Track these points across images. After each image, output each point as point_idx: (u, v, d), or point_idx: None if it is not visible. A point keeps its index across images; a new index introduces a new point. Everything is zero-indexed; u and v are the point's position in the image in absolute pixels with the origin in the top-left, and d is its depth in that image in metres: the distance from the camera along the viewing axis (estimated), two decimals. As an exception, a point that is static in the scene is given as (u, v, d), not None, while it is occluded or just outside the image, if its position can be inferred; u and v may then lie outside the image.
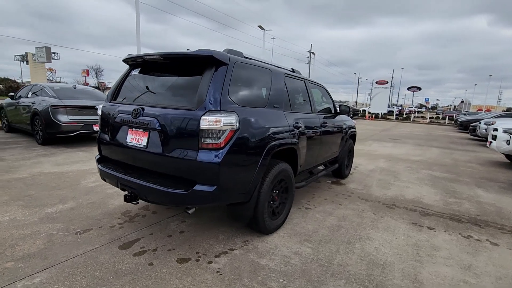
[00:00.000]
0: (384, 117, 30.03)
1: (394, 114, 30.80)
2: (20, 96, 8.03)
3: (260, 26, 22.77)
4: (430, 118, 30.72)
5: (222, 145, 2.05)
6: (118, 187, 2.52)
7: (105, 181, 2.70)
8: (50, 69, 53.84)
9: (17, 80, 50.15)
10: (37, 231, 2.69)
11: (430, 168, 6.41)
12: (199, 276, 2.11)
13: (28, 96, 7.68)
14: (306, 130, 3.27)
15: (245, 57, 2.77)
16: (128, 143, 2.45)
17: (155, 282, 2.03)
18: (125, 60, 2.73)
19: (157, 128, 2.22)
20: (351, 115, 21.95)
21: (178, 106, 2.23)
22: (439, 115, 38.29)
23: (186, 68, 2.39)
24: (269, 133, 2.49)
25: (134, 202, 2.41)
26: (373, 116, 29.02)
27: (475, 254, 2.64)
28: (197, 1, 21.21)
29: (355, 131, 5.23)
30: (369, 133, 14.00)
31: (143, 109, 2.35)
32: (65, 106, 6.53)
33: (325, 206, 3.70)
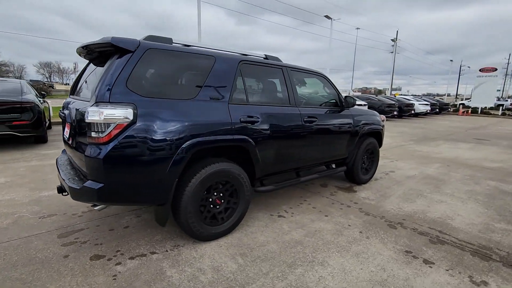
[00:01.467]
0: (486, 112, 24.41)
1: (501, 108, 24.63)
2: None
3: (327, 16, 21.33)
4: (558, 113, 23.50)
5: (106, 139, 1.88)
6: (60, 178, 2.63)
7: None
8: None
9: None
10: (16, 211, 3.04)
11: (503, 179, 4.80)
12: (92, 277, 2.01)
13: None
14: (274, 126, 2.80)
15: (185, 44, 2.51)
16: (64, 136, 2.52)
17: (49, 275, 2.02)
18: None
19: (68, 121, 2.20)
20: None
21: (85, 98, 2.15)
22: None
23: (102, 58, 2.29)
24: (190, 128, 2.18)
25: (64, 194, 2.46)
26: (469, 111, 23.91)
27: (469, 313, 1.77)
28: (282, 2, 21.33)
29: (378, 128, 4.28)
30: (447, 132, 11.57)
31: (69, 103, 2.37)
32: None
33: (305, 215, 3.12)
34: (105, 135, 1.87)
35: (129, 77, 1.99)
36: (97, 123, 1.87)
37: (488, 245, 2.58)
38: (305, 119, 3.13)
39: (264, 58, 3.07)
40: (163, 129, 2.06)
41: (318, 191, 3.93)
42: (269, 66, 3.00)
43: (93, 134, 1.90)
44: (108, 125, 1.87)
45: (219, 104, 2.43)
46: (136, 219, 2.93)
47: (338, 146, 3.68)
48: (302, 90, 3.49)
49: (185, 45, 2.52)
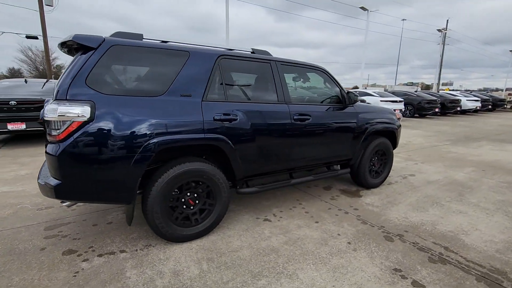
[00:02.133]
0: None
1: None
2: None
3: (363, 8, 20.12)
4: None
5: (62, 137, 1.88)
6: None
7: None
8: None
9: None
10: (20, 202, 3.26)
11: (551, 188, 4.05)
12: (55, 272, 2.04)
13: None
14: (256, 124, 2.63)
15: (162, 41, 2.45)
16: None
17: (19, 267, 2.09)
18: None
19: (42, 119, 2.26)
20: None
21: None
22: None
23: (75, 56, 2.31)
24: (153, 126, 2.11)
25: None
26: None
27: None
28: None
29: (391, 127, 3.85)
30: (495, 131, 10.23)
31: (48, 101, 2.44)
32: None
33: (294, 220, 2.90)
34: (61, 133, 1.88)
35: (89, 74, 1.97)
36: (54, 121, 1.88)
37: (502, 269, 2.15)
38: (295, 117, 2.90)
39: (251, 53, 2.90)
40: (123, 127, 2.02)
41: (319, 194, 3.65)
42: (254, 61, 2.82)
43: (52, 131, 1.91)
44: (64, 122, 1.87)
45: (190, 101, 2.33)
46: (121, 216, 2.97)
47: (338, 147, 3.37)
48: (296, 86, 3.25)
49: (163, 42, 2.45)
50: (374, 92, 13.77)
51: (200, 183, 2.44)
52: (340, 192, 3.76)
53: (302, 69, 3.24)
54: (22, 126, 6.13)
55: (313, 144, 3.12)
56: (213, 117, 2.39)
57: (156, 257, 2.24)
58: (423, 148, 6.93)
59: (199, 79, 2.41)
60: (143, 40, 2.34)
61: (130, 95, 2.11)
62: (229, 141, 2.47)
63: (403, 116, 14.98)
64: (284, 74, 3.00)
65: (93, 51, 2.02)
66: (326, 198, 3.55)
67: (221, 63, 2.58)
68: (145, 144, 2.08)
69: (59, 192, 1.94)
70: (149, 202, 2.19)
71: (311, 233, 2.65)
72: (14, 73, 38.18)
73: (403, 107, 13.54)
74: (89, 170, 1.97)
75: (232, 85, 2.68)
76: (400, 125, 4.09)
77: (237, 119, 2.52)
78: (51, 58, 20.39)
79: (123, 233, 2.61)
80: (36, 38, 20.80)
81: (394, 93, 15.51)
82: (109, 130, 1.97)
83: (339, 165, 3.75)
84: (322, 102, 3.37)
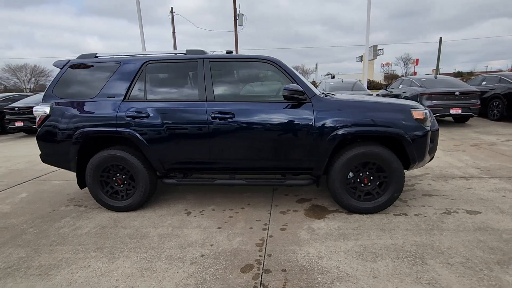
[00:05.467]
0: None
1: None
2: (392, 88, 10.51)
3: None
4: None
5: (37, 125, 3.07)
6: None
7: None
8: (388, 64, 57.94)
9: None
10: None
11: None
12: (47, 208, 3.35)
13: (399, 87, 9.74)
14: (167, 121, 2.85)
15: (131, 55, 3.22)
16: None
17: (44, 201, 3.59)
18: None
19: None
20: None
21: None
22: None
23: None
24: (80, 120, 2.93)
25: None
26: None
27: None
28: None
29: (390, 131, 2.59)
30: None
31: None
32: (430, 93, 7.91)
33: (205, 220, 2.86)
34: (36, 123, 3.09)
35: (55, 85, 3.07)
36: (35, 116, 3.13)
37: None
38: (213, 115, 2.80)
39: (184, 54, 3.06)
40: (64, 120, 2.98)
41: (277, 204, 3.16)
42: (181, 62, 2.98)
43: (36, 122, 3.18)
44: (37, 116, 3.08)
45: (112, 102, 2.95)
46: (125, 185, 4.05)
47: (282, 151, 2.78)
48: (229, 82, 3.00)
49: (129, 55, 3.21)
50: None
51: (122, 167, 3.03)
52: (307, 207, 3.05)
53: (242, 63, 2.96)
54: (21, 124, 9.00)
55: (243, 146, 2.83)
56: (125, 115, 2.89)
57: (89, 215, 3.10)
58: None
59: (122, 83, 2.98)
60: (97, 57, 3.18)
61: (75, 99, 3.04)
62: (138, 135, 2.88)
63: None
64: (218, 71, 2.93)
65: (61, 69, 3.10)
66: (278, 210, 3.04)
67: (148, 68, 2.99)
68: (75, 133, 2.94)
69: (42, 159, 3.20)
70: (85, 175, 3.07)
71: (193, 235, 2.58)
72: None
73: None
74: (50, 146, 3.09)
75: (154, 86, 3.00)
76: (433, 129, 2.64)
77: (148, 116, 2.87)
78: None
79: (105, 196, 3.65)
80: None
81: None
82: (57, 122, 3.00)
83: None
84: (266, 98, 2.90)
